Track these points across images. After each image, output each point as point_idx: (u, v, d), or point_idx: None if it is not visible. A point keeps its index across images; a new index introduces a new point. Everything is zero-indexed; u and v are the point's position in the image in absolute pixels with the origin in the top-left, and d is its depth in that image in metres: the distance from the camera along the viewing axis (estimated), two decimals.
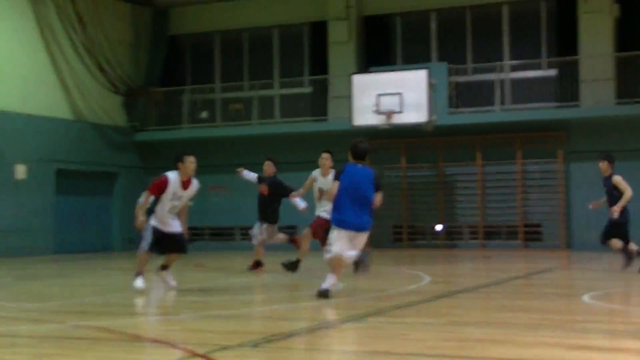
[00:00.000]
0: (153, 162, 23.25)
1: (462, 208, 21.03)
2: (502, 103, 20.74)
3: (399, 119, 18.80)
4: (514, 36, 21.46)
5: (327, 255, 8.61)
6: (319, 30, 22.52)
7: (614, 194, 12.21)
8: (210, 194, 22.29)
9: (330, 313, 7.87)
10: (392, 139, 20.89)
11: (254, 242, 12.85)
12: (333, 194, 8.59)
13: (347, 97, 19.70)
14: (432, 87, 18.92)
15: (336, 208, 8.51)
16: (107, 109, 22.46)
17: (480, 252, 19.58)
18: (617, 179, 12.21)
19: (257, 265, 12.89)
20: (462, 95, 20.83)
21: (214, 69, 24.02)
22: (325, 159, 11.86)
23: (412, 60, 21.53)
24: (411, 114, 18.74)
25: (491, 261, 16.28)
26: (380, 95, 18.81)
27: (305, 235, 11.95)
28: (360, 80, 19.30)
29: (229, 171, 21.67)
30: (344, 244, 8.52)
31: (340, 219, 8.48)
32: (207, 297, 9.54)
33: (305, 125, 21.95)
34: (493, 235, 20.69)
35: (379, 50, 22.04)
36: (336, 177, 8.69)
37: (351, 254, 8.60)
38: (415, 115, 18.76)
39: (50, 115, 20.62)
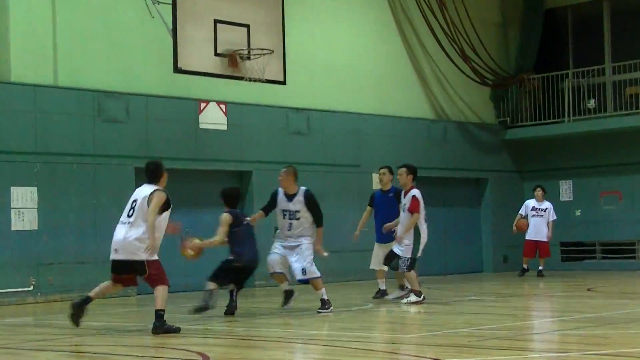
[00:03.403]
0: (528, 164, 22.82)
1: None
2: None
3: None
4: None
5: None
6: None
7: None
8: (601, 202, 21.85)
9: None
10: None
11: None
12: None
13: None
14: None
15: None
16: (472, 103, 22.40)
17: None
18: None
19: None
20: None
21: (603, 46, 22.81)
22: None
23: None
24: None
25: None
26: None
27: None
28: None
29: (625, 172, 21.45)
30: None
31: None
32: (608, 330, 9.38)
33: None
34: None
35: None
36: None
37: None
38: None
39: (408, 115, 21.01)
